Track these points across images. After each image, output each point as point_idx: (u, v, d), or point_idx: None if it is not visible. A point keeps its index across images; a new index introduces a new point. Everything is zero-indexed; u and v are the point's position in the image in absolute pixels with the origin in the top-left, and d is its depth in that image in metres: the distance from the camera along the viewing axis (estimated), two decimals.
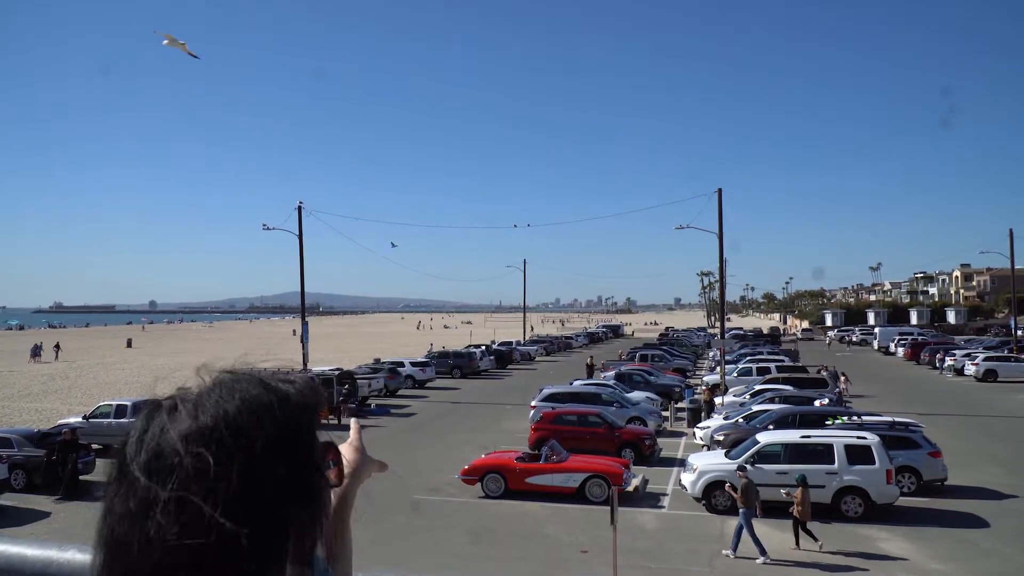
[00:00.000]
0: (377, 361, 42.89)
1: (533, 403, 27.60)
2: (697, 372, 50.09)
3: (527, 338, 75.14)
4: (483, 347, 55.32)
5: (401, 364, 40.93)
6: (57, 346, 62.35)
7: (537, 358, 62.48)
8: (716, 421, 25.15)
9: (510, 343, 64.29)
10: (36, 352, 58.00)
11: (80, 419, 23.91)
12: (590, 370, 43.68)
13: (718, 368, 35.84)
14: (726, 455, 17.89)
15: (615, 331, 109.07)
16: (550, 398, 27.59)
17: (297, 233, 36.82)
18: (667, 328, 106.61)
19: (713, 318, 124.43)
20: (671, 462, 21.91)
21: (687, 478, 17.63)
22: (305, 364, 34.87)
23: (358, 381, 32.82)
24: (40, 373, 47.56)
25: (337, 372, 32.00)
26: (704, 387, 33.76)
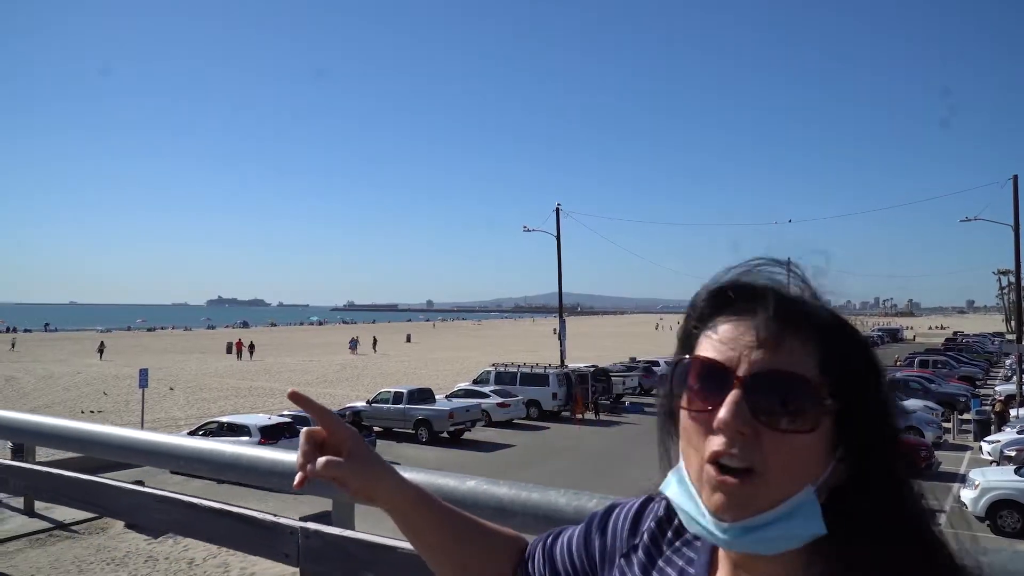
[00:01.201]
0: (632, 360, 43.27)
1: None
2: (989, 382, 44.64)
3: None
4: None
5: (656, 363, 40.92)
6: (356, 340, 70.58)
7: None
8: (1008, 435, 22.36)
9: None
10: (353, 346, 66.70)
11: (364, 404, 26.88)
12: None
13: (1014, 377, 31.79)
14: (1016, 472, 15.96)
15: (893, 335, 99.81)
16: None
17: (555, 234, 38.27)
18: (955, 332, 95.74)
19: (1012, 322, 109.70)
20: (951, 477, 19.87)
21: (967, 495, 16.02)
22: (562, 361, 36.14)
23: (613, 379, 33.51)
24: (333, 363, 53.86)
25: (592, 369, 32.89)
26: (996, 398, 30.10)
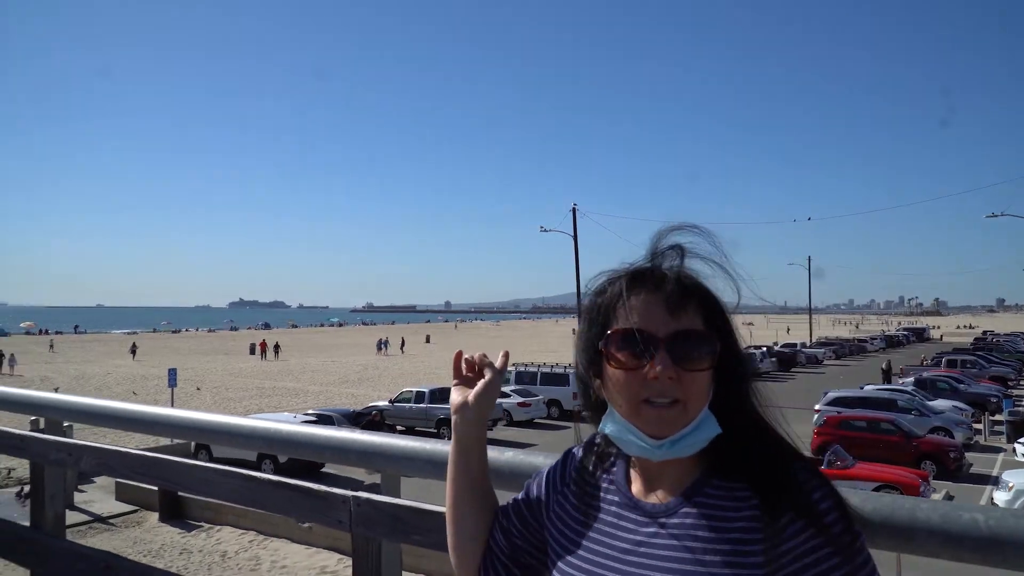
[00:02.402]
0: None
1: (817, 407, 26.18)
2: (1022, 382, 44.00)
3: (814, 340, 70.77)
4: (764, 348, 53.13)
5: None
6: (384, 341, 71.00)
7: (825, 361, 58.61)
8: None
9: (794, 345, 61.01)
10: (381, 346, 67.46)
11: (386, 403, 27.17)
12: (886, 375, 40.08)
13: None
14: None
15: (919, 334, 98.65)
16: (836, 402, 25.87)
17: (572, 234, 38.39)
18: (984, 332, 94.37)
19: None
20: (983, 479, 19.62)
21: (1001, 497, 15.85)
22: None
23: None
24: (354, 363, 54.31)
25: None
26: None
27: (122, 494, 18.51)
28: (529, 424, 28.20)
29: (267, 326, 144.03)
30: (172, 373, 25.07)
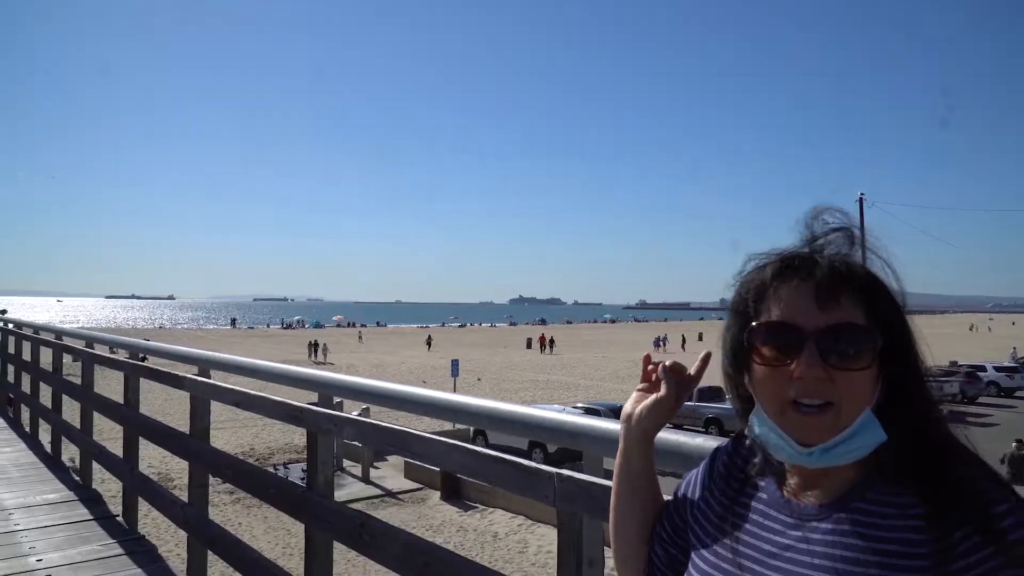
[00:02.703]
0: (952, 364, 38.52)
1: None
2: None
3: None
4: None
5: (982, 368, 36.13)
6: (661, 339, 71.66)
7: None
8: None
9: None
10: (659, 343, 68.84)
11: None
12: None
13: None
14: None
15: None
16: None
17: (858, 227, 35.39)
18: None
19: None
20: None
21: None
22: None
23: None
24: (626, 359, 54.80)
25: None
26: None
27: (409, 473, 20.59)
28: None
29: (543, 321, 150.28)
30: (455, 364, 27.18)
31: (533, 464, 2.05)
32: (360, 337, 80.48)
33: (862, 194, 35.74)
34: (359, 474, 20.71)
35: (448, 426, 20.80)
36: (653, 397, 1.24)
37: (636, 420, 1.24)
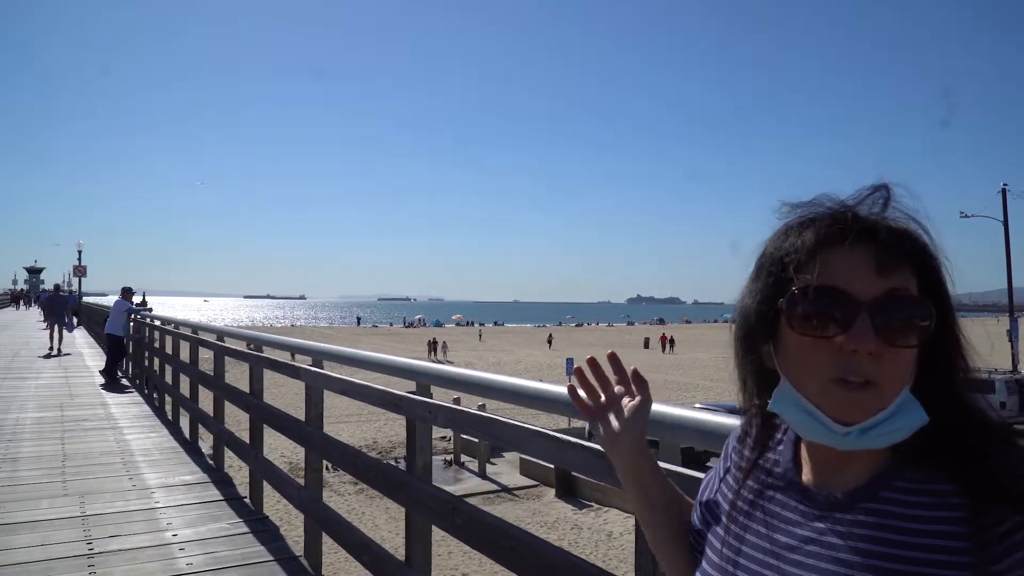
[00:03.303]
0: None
1: None
2: None
3: None
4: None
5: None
6: None
7: None
8: None
9: None
10: None
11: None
12: None
13: None
14: None
15: None
16: None
17: (1002, 220, 33.03)
18: None
19: None
20: None
21: None
22: (1014, 366, 31.05)
23: None
24: None
25: None
26: None
27: (525, 469, 20.81)
28: None
29: (661, 321, 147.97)
30: (569, 363, 27.24)
31: None
32: (480, 335, 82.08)
33: (1005, 185, 33.26)
34: (476, 469, 21.14)
35: (564, 423, 20.90)
36: (634, 404, 1.14)
37: (623, 432, 1.13)
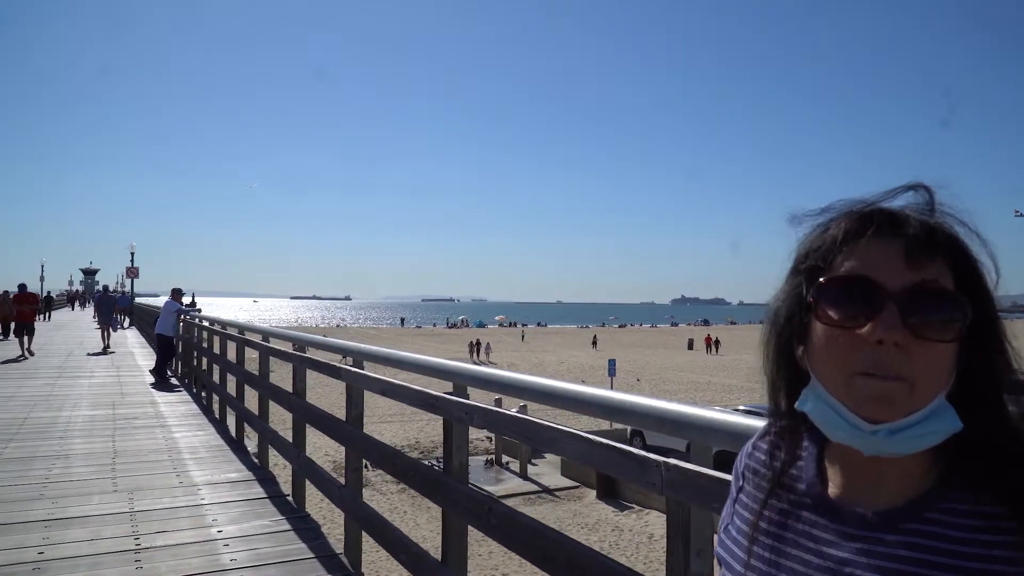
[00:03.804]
0: None
1: None
2: None
3: None
4: None
5: None
6: None
7: None
8: None
9: None
10: None
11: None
12: None
13: None
14: None
15: None
16: None
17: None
18: None
19: None
20: None
21: None
22: None
23: None
24: None
25: None
26: None
27: (566, 470, 20.77)
28: None
29: (706, 322, 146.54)
30: (611, 364, 27.17)
31: (642, 452, 2.08)
32: (523, 336, 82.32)
33: None
34: (517, 470, 21.16)
35: (606, 426, 20.82)
36: None
37: None
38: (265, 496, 6.22)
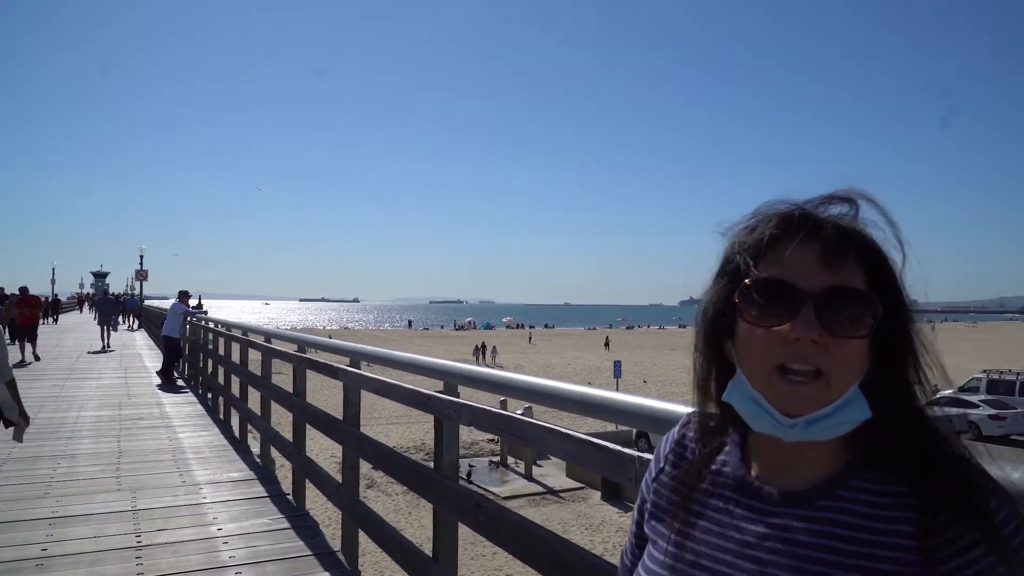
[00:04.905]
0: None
1: None
2: None
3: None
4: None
5: None
6: None
7: None
8: None
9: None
10: None
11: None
12: None
13: None
14: None
15: None
16: None
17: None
18: None
19: None
20: None
21: None
22: None
23: None
24: None
25: None
26: None
27: (571, 472, 20.78)
28: (1004, 441, 24.25)
29: None
30: (617, 365, 27.18)
31: (618, 448, 2.13)
32: (530, 338, 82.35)
33: None
34: (522, 471, 21.19)
35: (611, 427, 20.83)
36: None
37: None
38: (266, 495, 6.29)
